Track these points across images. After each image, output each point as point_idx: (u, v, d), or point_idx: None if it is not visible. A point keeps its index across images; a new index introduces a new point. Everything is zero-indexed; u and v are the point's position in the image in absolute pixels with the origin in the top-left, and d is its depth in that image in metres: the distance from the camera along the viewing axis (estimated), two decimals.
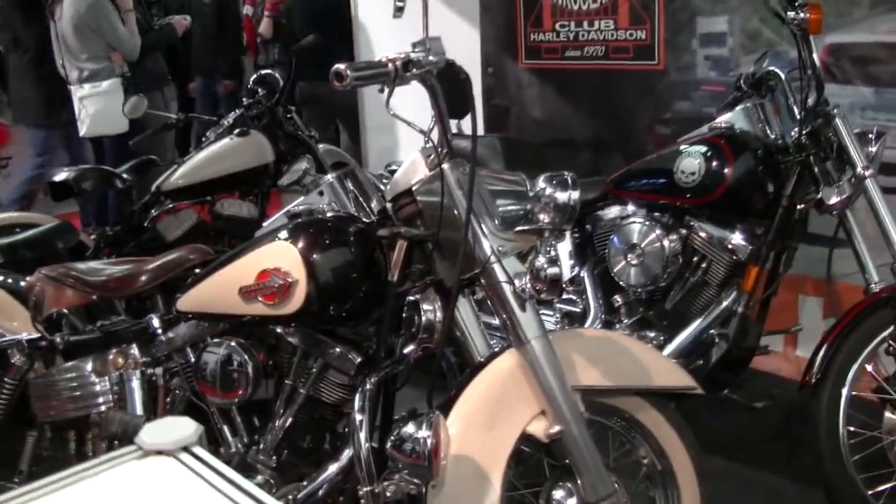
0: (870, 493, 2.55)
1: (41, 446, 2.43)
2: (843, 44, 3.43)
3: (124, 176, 4.11)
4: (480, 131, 1.91)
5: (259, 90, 4.08)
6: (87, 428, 2.32)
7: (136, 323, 2.37)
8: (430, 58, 1.83)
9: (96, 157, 5.71)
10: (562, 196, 1.91)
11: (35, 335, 2.42)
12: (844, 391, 2.60)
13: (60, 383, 2.32)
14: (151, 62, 5.91)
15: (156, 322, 2.31)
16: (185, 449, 0.96)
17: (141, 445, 0.97)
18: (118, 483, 0.93)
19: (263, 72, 4.27)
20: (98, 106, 5.37)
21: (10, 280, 2.84)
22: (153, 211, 3.96)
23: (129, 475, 0.94)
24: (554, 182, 1.92)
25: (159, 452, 0.96)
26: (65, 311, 2.46)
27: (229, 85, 7.69)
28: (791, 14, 2.72)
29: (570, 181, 1.92)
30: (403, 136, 5.11)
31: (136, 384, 2.28)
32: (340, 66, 1.71)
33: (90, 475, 0.94)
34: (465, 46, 4.38)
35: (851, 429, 2.60)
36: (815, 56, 2.76)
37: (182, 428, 0.97)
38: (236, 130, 3.95)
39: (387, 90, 1.82)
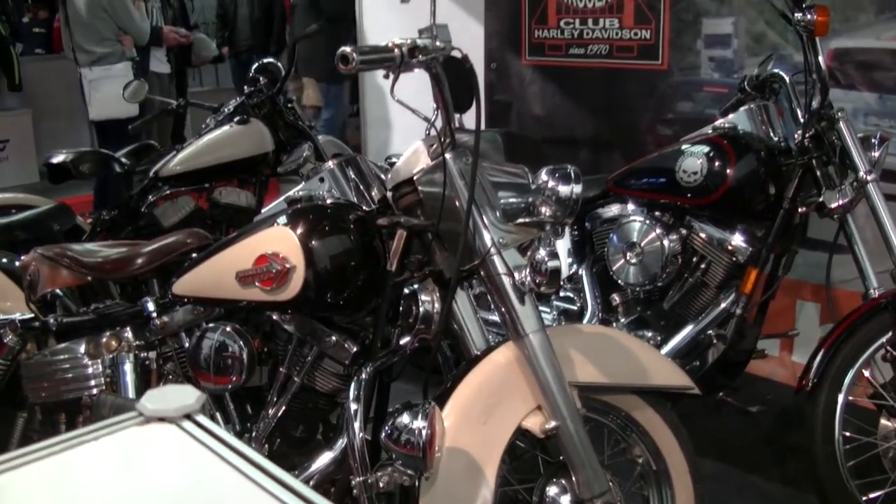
0: (864, 499, 2.54)
1: (31, 428, 2.40)
2: (847, 49, 3.42)
3: (123, 160, 4.09)
4: (482, 126, 1.89)
5: (260, 78, 4.06)
6: (79, 410, 2.29)
7: (131, 306, 2.35)
8: (437, 44, 1.81)
9: (100, 141, 5.68)
10: (564, 189, 1.89)
11: (28, 315, 2.40)
12: (841, 397, 2.58)
13: (52, 365, 2.30)
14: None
15: (151, 305, 2.28)
16: (188, 416, 0.94)
17: (142, 412, 0.95)
18: (118, 448, 0.91)
19: (265, 60, 4.25)
20: (108, 89, 5.34)
21: (4, 259, 2.82)
22: (151, 196, 3.93)
23: (129, 441, 0.92)
24: (556, 175, 1.91)
25: (161, 419, 0.95)
26: (59, 291, 2.44)
27: None
28: (798, 15, 2.70)
29: (572, 174, 1.91)
30: (403, 130, 5.10)
31: (128, 367, 2.26)
32: (346, 49, 1.69)
33: (90, 439, 0.92)
34: (468, 41, 4.36)
35: (847, 434, 2.58)
36: (820, 59, 2.74)
37: (184, 395, 0.95)
38: (236, 118, 3.93)
39: (391, 76, 1.80)
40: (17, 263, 2.56)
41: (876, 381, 2.65)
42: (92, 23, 5.36)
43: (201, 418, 0.93)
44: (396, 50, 1.76)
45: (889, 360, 2.64)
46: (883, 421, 2.66)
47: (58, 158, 4.00)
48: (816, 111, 2.77)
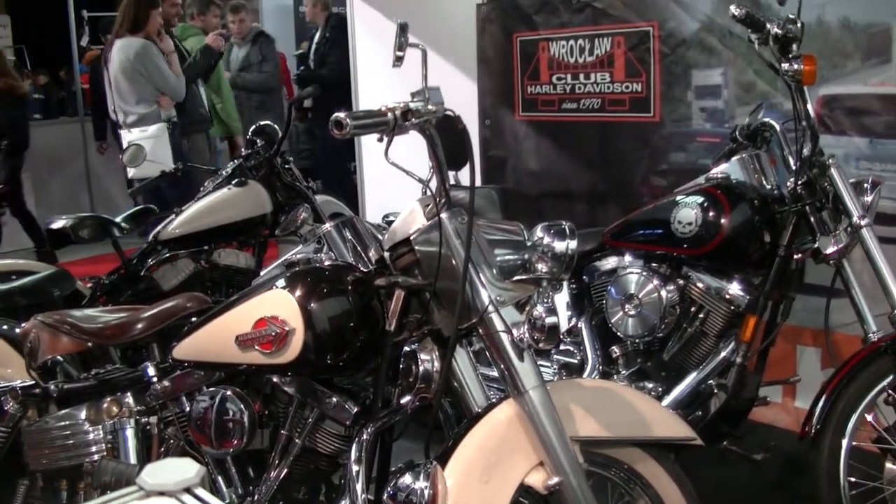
0: None
1: (32, 495, 2.40)
2: (836, 95, 3.46)
3: (122, 224, 4.12)
4: (477, 182, 1.91)
5: (257, 141, 4.11)
6: (80, 477, 2.28)
7: (132, 371, 2.36)
8: (429, 107, 1.84)
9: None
10: (559, 245, 1.92)
11: (29, 382, 2.40)
12: (845, 442, 2.58)
13: (53, 431, 2.30)
14: (191, 104, 5.98)
15: (151, 370, 2.29)
16: (187, 490, 0.95)
17: (142, 486, 0.96)
18: None
19: (262, 123, 4.30)
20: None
21: (5, 326, 2.82)
22: (150, 260, 3.96)
23: None
24: (552, 231, 1.93)
25: (161, 493, 0.95)
26: (59, 358, 2.45)
27: None
28: (785, 65, 2.74)
29: (567, 230, 1.93)
30: (401, 188, 5.12)
31: (129, 433, 2.26)
32: (340, 115, 1.72)
33: None
34: (462, 98, 4.42)
35: (852, 479, 2.57)
36: (809, 107, 2.78)
37: (184, 469, 0.96)
38: (234, 180, 3.97)
39: (385, 139, 1.83)
40: (18, 331, 2.57)
41: (879, 424, 2.64)
42: (130, 86, 5.51)
43: (201, 492, 0.94)
44: (390, 114, 1.79)
45: (891, 404, 2.63)
46: (888, 465, 2.64)
47: (58, 224, 4.03)
48: (808, 158, 2.79)
